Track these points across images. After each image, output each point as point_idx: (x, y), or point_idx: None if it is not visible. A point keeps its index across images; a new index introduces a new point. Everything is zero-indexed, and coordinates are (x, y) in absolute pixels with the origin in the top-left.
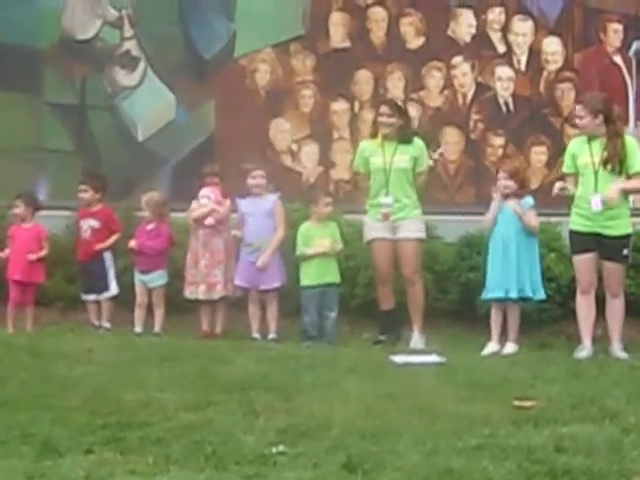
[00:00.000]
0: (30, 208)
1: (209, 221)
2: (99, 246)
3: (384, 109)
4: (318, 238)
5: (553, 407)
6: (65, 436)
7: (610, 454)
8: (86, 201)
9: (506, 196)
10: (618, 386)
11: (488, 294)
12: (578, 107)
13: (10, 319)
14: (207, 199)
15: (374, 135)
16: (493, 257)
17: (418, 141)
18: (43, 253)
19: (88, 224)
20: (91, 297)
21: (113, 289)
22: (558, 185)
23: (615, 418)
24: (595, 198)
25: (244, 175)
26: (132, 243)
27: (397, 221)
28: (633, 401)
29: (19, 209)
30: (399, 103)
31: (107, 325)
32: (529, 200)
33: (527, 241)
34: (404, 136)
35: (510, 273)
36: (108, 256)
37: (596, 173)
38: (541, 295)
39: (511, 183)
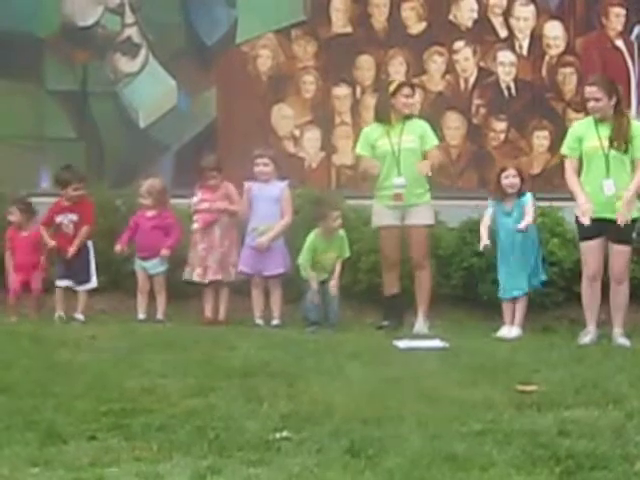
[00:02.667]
0: (25, 215)
1: (195, 226)
2: (72, 249)
3: (408, 90)
4: (323, 252)
5: (556, 391)
6: (69, 423)
7: (613, 438)
8: (78, 198)
9: (508, 195)
10: (622, 370)
11: (506, 294)
12: (593, 89)
13: (12, 307)
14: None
15: (386, 119)
16: (504, 257)
17: (419, 119)
18: (42, 261)
19: (69, 219)
20: (65, 283)
21: (94, 282)
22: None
23: (618, 402)
24: (608, 182)
25: (252, 161)
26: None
27: (407, 207)
28: (636, 385)
29: (14, 216)
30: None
31: (81, 317)
32: (529, 197)
33: (532, 235)
34: (410, 114)
35: (524, 270)
36: (90, 247)
37: (607, 157)
38: (543, 277)
39: (518, 181)
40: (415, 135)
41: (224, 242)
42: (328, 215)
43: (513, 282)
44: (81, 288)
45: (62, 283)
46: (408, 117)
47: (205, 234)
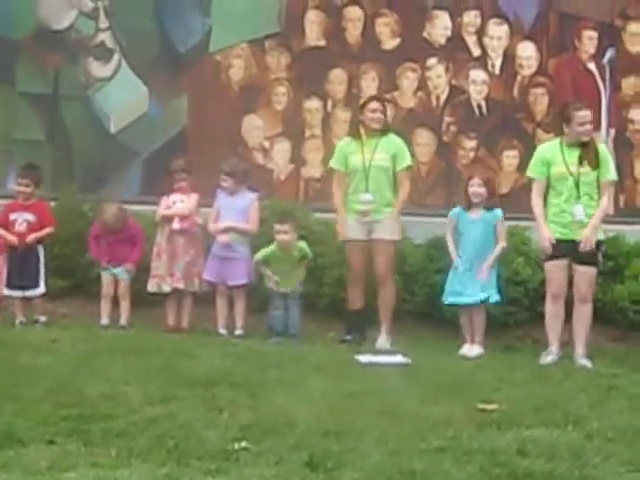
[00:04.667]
0: None
1: (175, 226)
2: (31, 237)
3: (376, 105)
4: (279, 262)
5: (517, 410)
6: (28, 426)
7: (572, 459)
8: (27, 195)
9: (474, 204)
10: (582, 391)
11: (463, 299)
12: (588, 112)
13: None
14: (181, 203)
15: (356, 134)
16: (465, 263)
17: (396, 137)
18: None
19: (24, 218)
20: (18, 293)
21: (42, 287)
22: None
23: (578, 424)
24: (578, 207)
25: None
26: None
27: (373, 223)
28: (597, 407)
29: None
30: (383, 98)
31: (43, 319)
32: (498, 212)
33: (493, 246)
34: (384, 129)
35: (477, 281)
36: (41, 251)
37: (577, 181)
38: (497, 298)
39: (483, 191)
40: (388, 154)
41: (189, 251)
42: (275, 226)
43: (461, 290)
44: (30, 294)
45: (16, 294)
46: (384, 133)
47: (169, 243)
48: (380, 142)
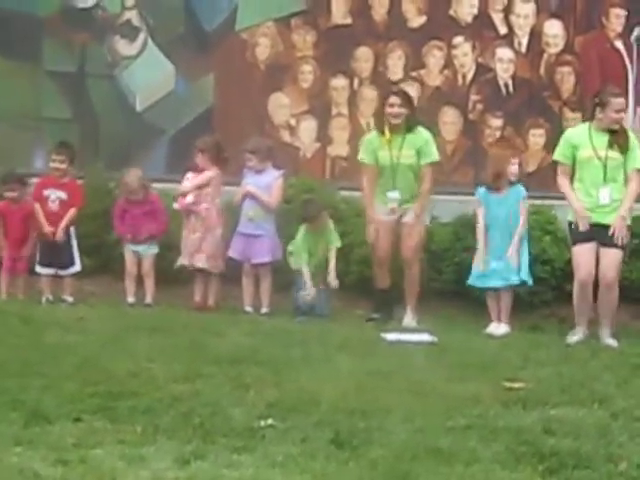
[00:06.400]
0: (22, 189)
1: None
2: (61, 225)
3: (395, 99)
4: (313, 244)
5: (543, 389)
6: (54, 404)
7: (598, 438)
8: (62, 172)
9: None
10: (608, 370)
11: (490, 282)
12: (624, 100)
13: (3, 286)
14: (186, 181)
15: (381, 128)
16: (493, 245)
17: (423, 131)
18: (30, 241)
19: (57, 195)
20: (49, 271)
21: (78, 265)
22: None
23: (604, 402)
24: (604, 190)
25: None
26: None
27: (402, 210)
28: (623, 386)
29: (15, 193)
30: (405, 92)
31: (70, 299)
32: (522, 189)
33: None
34: (410, 124)
35: (511, 261)
36: (72, 232)
37: (604, 165)
38: (528, 279)
39: (519, 170)
40: (414, 149)
41: (215, 231)
42: (318, 216)
43: (493, 271)
44: (65, 272)
45: (46, 271)
46: (410, 129)
47: (193, 221)
48: (406, 139)
